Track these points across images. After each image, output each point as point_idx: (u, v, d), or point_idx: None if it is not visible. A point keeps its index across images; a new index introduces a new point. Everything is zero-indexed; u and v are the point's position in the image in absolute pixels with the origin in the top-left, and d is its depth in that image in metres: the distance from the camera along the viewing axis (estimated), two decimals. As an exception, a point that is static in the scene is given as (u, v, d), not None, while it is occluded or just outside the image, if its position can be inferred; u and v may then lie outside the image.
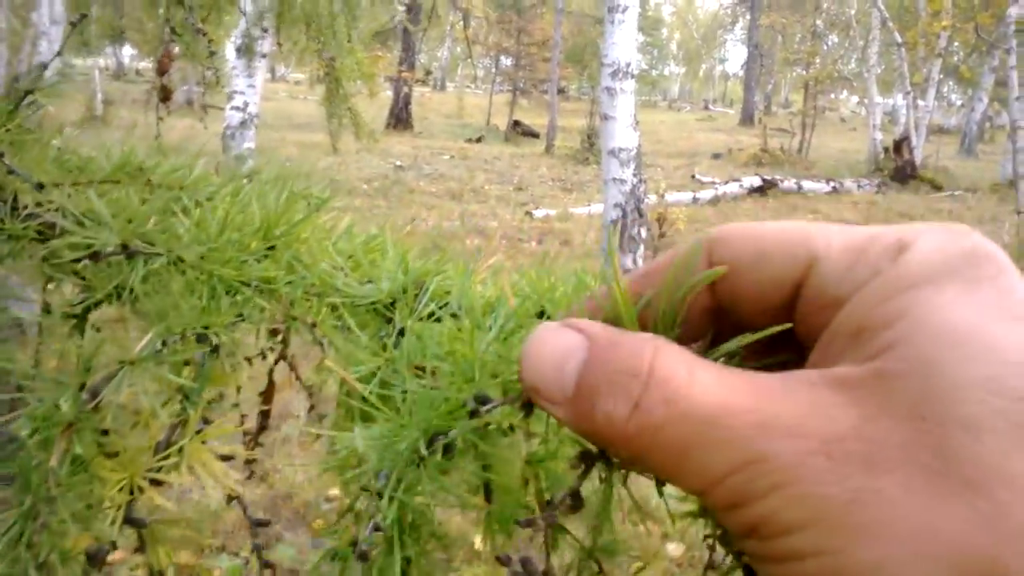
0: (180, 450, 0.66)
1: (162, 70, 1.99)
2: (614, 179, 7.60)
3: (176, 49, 2.06)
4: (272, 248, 0.74)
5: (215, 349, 0.67)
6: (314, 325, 0.71)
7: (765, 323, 0.42)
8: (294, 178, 0.94)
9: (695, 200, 14.14)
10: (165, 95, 1.99)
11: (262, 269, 0.71)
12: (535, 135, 26.35)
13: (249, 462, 0.96)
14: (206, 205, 0.78)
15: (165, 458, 0.65)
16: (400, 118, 25.86)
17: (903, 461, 0.31)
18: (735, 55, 76.94)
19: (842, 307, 0.38)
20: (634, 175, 7.60)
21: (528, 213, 12.30)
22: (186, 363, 0.66)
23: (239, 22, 2.06)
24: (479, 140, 24.62)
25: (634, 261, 7.74)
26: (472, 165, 18.00)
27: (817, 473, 0.32)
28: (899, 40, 17.83)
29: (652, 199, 11.79)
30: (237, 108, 10.71)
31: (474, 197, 13.90)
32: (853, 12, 25.25)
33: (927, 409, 0.32)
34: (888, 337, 0.34)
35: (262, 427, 0.92)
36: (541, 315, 0.60)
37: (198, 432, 0.67)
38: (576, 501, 0.47)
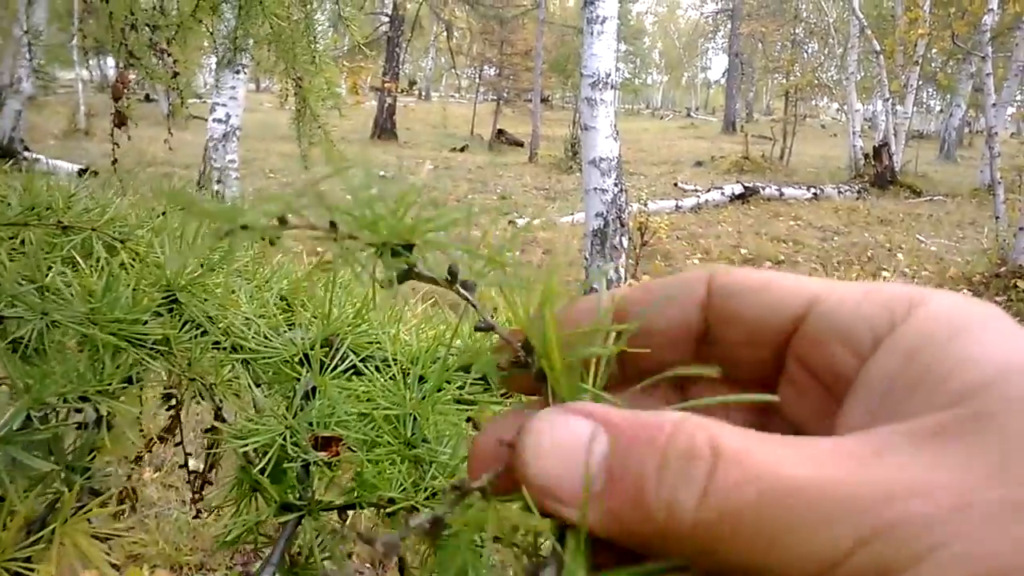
0: (53, 531, 0.59)
1: (116, 96, 1.96)
2: (595, 188, 7.67)
3: (132, 74, 2.04)
4: (174, 301, 0.67)
5: (98, 419, 0.61)
6: (213, 386, 0.66)
7: (750, 353, 0.42)
8: (240, 212, 0.90)
9: (677, 208, 14.24)
10: (120, 121, 1.96)
11: (158, 326, 0.65)
12: (519, 144, 26.43)
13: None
14: (119, 248, 0.73)
15: (37, 541, 0.59)
16: (385, 128, 25.89)
17: None
18: (717, 63, 77.31)
19: (856, 347, 0.37)
20: (615, 184, 7.67)
21: (511, 222, 12.35)
22: (83, 426, 0.61)
23: (217, 38, 2.07)
24: (463, 149, 24.67)
25: (616, 270, 7.80)
26: (456, 175, 18.04)
27: (972, 527, 0.29)
28: (877, 48, 18.00)
29: (635, 207, 11.87)
30: (219, 120, 10.73)
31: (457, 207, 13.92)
32: (832, 20, 25.46)
33: None
34: (967, 382, 0.33)
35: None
36: (467, 369, 0.55)
37: (81, 510, 0.61)
38: None
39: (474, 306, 0.40)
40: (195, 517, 0.68)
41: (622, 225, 7.81)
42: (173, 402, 0.73)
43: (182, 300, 0.67)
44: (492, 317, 0.42)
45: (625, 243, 7.92)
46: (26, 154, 13.73)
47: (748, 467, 0.32)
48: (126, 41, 1.85)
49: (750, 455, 0.32)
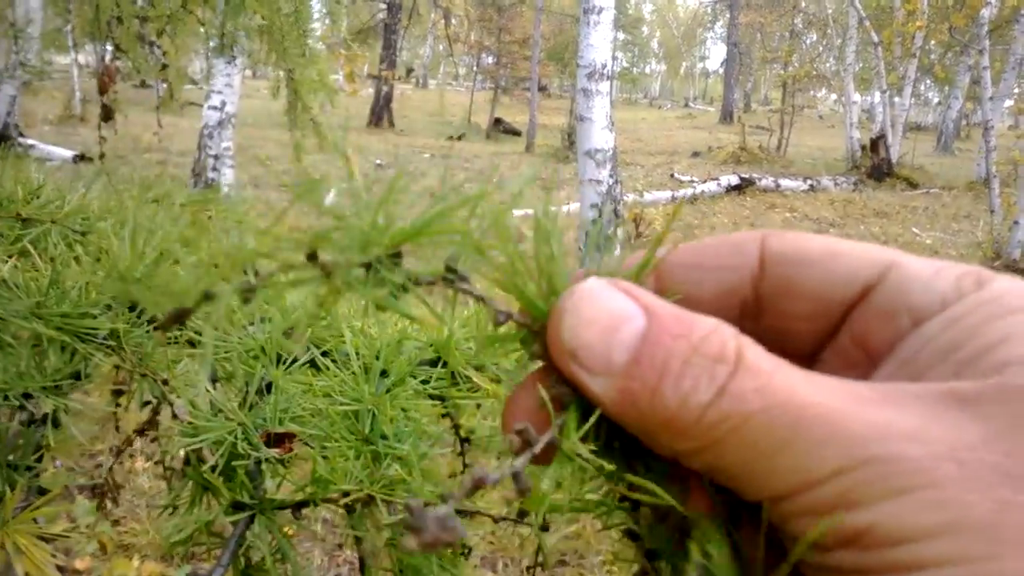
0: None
1: (102, 89, 1.95)
2: (590, 180, 7.66)
3: (118, 66, 2.03)
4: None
5: (44, 417, 0.60)
6: (165, 382, 0.64)
7: (807, 326, 0.41)
8: (205, 201, 0.89)
9: (674, 199, 14.22)
10: (107, 114, 1.95)
11: (108, 320, 0.63)
12: (516, 133, 26.36)
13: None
14: (81, 240, 0.72)
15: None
16: (382, 116, 25.81)
17: None
18: (715, 53, 77.15)
19: (923, 319, 0.37)
20: (610, 176, 7.66)
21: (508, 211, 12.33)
22: (31, 423, 0.59)
23: (208, 29, 2.06)
24: (460, 138, 24.60)
25: (610, 260, 7.81)
26: (452, 163, 18.01)
27: (952, 479, 0.30)
28: (876, 39, 17.97)
29: (631, 198, 11.87)
30: (215, 108, 10.69)
31: (454, 196, 13.90)
32: (830, 11, 25.39)
33: None
34: (1002, 355, 0.33)
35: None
36: (436, 363, 0.54)
37: (27, 507, 0.60)
38: None
39: (483, 299, 0.39)
40: (172, 512, 0.67)
41: (617, 216, 7.81)
42: (150, 401, 0.71)
43: (134, 293, 0.65)
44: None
45: (620, 234, 7.92)
46: (21, 140, 13.67)
47: (763, 380, 0.33)
48: (112, 34, 1.84)
49: (768, 370, 0.33)
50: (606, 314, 0.35)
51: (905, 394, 0.33)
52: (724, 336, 0.34)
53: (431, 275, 0.37)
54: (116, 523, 3.45)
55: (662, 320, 0.35)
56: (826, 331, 0.41)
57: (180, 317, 0.31)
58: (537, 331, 0.39)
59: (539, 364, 0.39)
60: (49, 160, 13.23)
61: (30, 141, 13.78)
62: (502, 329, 0.39)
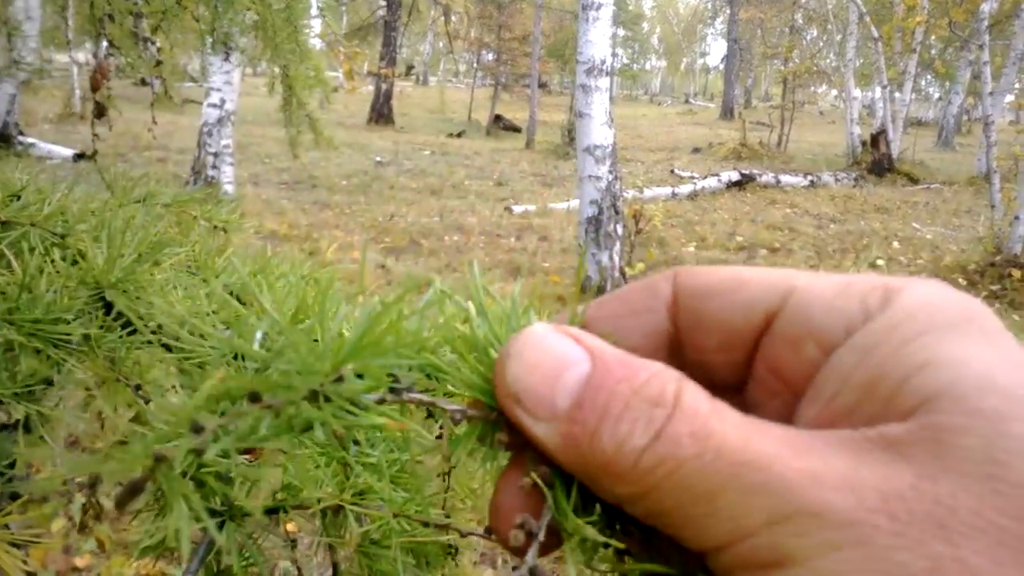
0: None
1: (95, 86, 1.94)
2: (590, 176, 7.66)
3: (111, 63, 2.02)
4: (102, 300, 0.65)
5: (15, 423, 0.59)
6: (139, 387, 0.64)
7: (722, 357, 0.40)
8: (190, 202, 0.88)
9: (674, 195, 14.22)
10: (99, 112, 1.94)
11: (81, 326, 0.62)
12: (517, 129, 26.38)
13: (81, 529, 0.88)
14: (59, 243, 0.71)
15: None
16: (381, 113, 25.82)
17: (981, 529, 0.28)
18: (716, 49, 77.14)
19: (830, 345, 0.36)
20: (610, 172, 7.66)
21: (507, 209, 12.34)
22: (3, 428, 0.58)
23: (202, 25, 2.05)
24: (460, 135, 24.61)
25: (610, 257, 7.80)
26: (453, 160, 18.00)
27: (884, 534, 0.29)
28: (876, 35, 17.94)
29: (630, 194, 11.85)
30: (214, 105, 10.69)
31: (454, 192, 13.92)
32: (831, 7, 25.37)
33: (997, 469, 0.29)
34: (922, 388, 0.31)
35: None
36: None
37: None
38: None
39: (434, 404, 0.38)
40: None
41: (616, 213, 7.80)
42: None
43: (109, 298, 0.65)
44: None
45: (620, 231, 7.92)
46: (21, 138, 13.67)
47: (698, 424, 0.32)
48: (104, 31, 1.84)
49: (704, 414, 0.33)
50: (551, 358, 0.36)
51: (836, 439, 0.32)
52: (664, 379, 0.34)
53: (378, 391, 0.37)
54: (115, 520, 3.45)
55: (607, 364, 0.35)
56: (742, 362, 0.41)
57: (135, 491, 0.31)
58: (494, 421, 0.39)
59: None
60: (49, 159, 13.24)
61: (30, 140, 13.78)
62: (460, 429, 0.39)
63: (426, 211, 12.01)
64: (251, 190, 12.23)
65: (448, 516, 0.62)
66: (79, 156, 13.05)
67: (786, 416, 0.37)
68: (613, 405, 0.34)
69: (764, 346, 0.39)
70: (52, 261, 0.69)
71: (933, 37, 20.90)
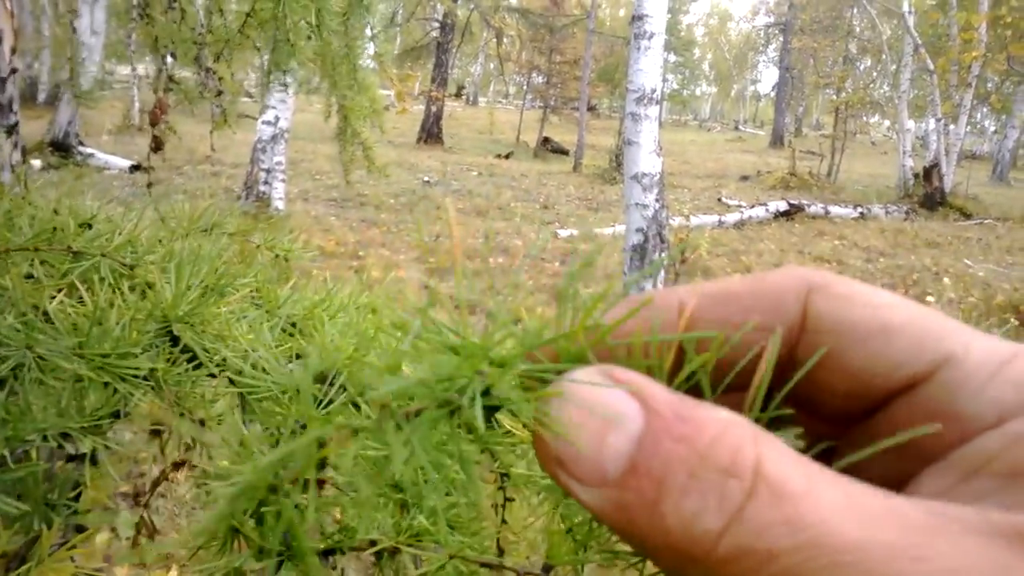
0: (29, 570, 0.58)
1: (154, 121, 2.00)
2: (636, 204, 7.66)
3: (170, 98, 2.08)
4: (168, 333, 0.66)
5: (82, 456, 0.60)
6: (202, 422, 0.65)
7: (842, 403, 0.36)
8: (247, 232, 0.89)
9: (720, 223, 14.14)
10: (157, 146, 2.00)
11: (148, 360, 0.63)
12: (564, 152, 26.45)
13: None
14: (128, 273, 0.73)
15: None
16: (431, 133, 26.07)
17: None
18: (767, 76, 76.64)
19: (973, 430, 0.32)
20: (656, 200, 7.65)
21: (553, 232, 12.36)
22: (72, 459, 0.60)
23: (262, 53, 2.12)
24: (508, 156, 24.74)
25: (654, 285, 7.78)
26: (500, 182, 18.10)
27: None
28: (931, 67, 17.73)
29: (676, 221, 11.81)
30: (268, 123, 10.90)
31: (500, 214, 13.99)
32: (886, 37, 25.11)
33: None
34: None
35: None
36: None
37: (64, 546, 0.60)
38: None
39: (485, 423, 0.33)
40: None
41: (662, 241, 7.79)
42: (190, 446, 0.72)
43: (176, 332, 0.66)
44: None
45: (664, 259, 7.90)
46: (81, 149, 14.08)
47: (789, 508, 0.27)
48: (165, 66, 1.91)
49: (795, 490, 0.28)
50: (596, 414, 0.31)
51: (955, 522, 0.28)
52: (738, 439, 0.29)
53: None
54: (156, 532, 3.52)
55: (662, 419, 0.30)
56: (858, 412, 0.36)
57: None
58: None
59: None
60: (107, 169, 13.59)
61: (89, 150, 14.18)
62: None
63: (472, 232, 12.07)
64: (301, 206, 12.41)
65: (503, 552, 0.63)
66: (135, 167, 13.38)
67: (893, 472, 0.34)
68: (674, 472, 0.29)
69: (893, 405, 0.35)
70: (121, 292, 0.72)
71: (989, 71, 20.58)
